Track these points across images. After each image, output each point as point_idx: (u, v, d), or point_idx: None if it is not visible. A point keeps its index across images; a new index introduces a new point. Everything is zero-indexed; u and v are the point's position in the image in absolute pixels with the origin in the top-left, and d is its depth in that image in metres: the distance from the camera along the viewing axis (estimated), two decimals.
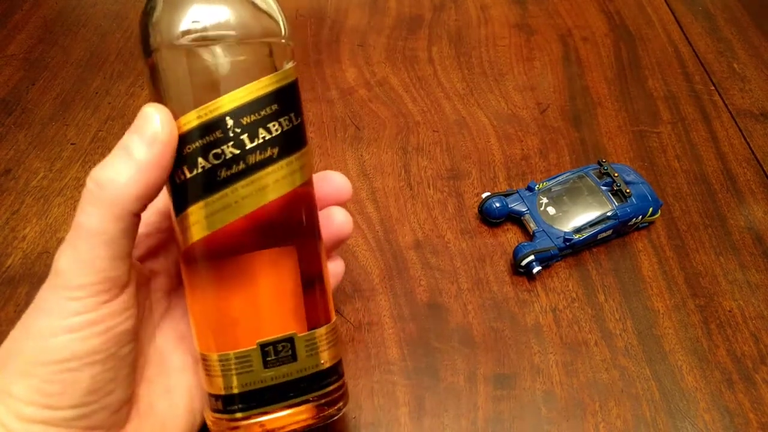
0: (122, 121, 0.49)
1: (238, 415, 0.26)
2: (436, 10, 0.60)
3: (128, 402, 0.27)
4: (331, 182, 0.31)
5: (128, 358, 0.26)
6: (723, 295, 0.39)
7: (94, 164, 0.45)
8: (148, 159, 0.24)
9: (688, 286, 0.39)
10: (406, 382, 0.35)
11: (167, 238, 0.31)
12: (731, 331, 0.37)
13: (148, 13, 0.25)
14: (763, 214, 0.43)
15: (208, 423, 0.27)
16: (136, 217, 0.25)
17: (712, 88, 0.53)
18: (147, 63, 0.25)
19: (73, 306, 0.24)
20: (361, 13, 0.60)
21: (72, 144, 0.47)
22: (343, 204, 0.31)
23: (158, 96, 0.25)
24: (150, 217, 0.30)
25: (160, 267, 0.31)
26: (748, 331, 0.37)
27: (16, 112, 0.49)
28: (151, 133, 0.24)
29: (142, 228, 0.30)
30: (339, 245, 0.32)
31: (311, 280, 0.27)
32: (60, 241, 0.40)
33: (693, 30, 0.59)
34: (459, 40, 0.57)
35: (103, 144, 0.47)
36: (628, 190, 0.41)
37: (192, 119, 0.24)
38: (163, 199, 0.30)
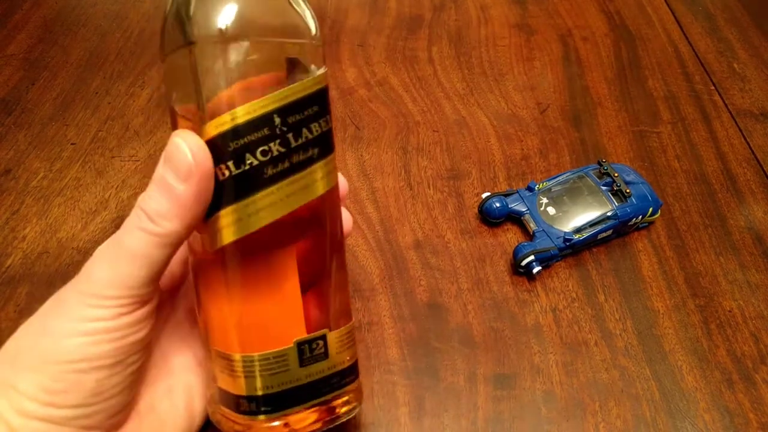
0: (122, 121, 0.49)
1: (262, 417, 0.26)
2: (436, 10, 0.60)
3: (128, 405, 0.27)
4: None
5: (135, 365, 0.26)
6: (723, 295, 0.39)
7: (94, 164, 0.45)
8: (189, 194, 0.24)
9: (688, 286, 0.39)
10: (406, 382, 0.35)
11: None
12: (731, 331, 0.37)
13: (182, 4, 0.24)
14: (763, 214, 0.43)
15: (227, 425, 0.27)
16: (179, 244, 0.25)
17: (712, 88, 0.53)
18: (181, 54, 0.24)
19: (94, 313, 0.24)
20: (361, 13, 0.60)
21: (72, 144, 0.47)
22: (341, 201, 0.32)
23: (191, 90, 0.24)
24: None
25: None
26: (748, 331, 0.37)
27: (16, 112, 0.49)
28: (185, 168, 0.24)
29: None
30: None
31: (339, 278, 0.28)
32: (60, 241, 0.41)
33: (693, 30, 0.59)
34: (459, 40, 0.57)
35: (103, 144, 0.47)
36: (628, 190, 0.41)
37: (238, 116, 0.24)
38: None
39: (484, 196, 0.42)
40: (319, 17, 0.59)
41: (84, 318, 0.24)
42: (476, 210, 0.43)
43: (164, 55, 0.26)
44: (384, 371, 0.35)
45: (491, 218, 0.42)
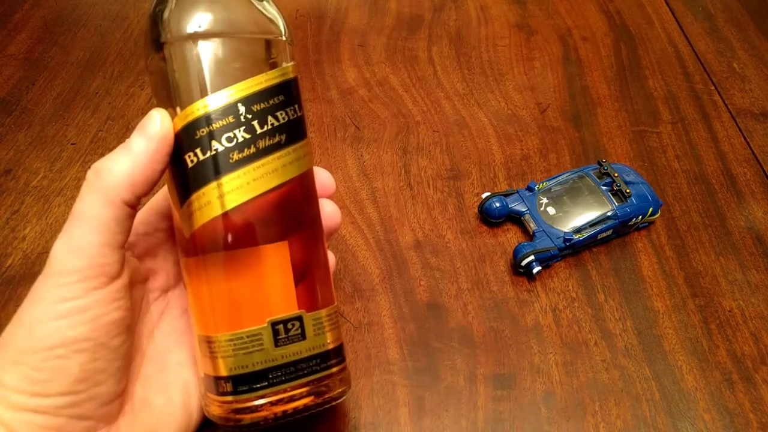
0: (122, 121, 0.49)
1: (245, 396, 0.26)
2: (436, 10, 0.60)
3: (120, 395, 0.27)
4: (316, 178, 0.31)
5: (120, 350, 0.26)
6: (723, 295, 0.39)
7: None
8: (144, 151, 0.25)
9: (688, 286, 0.39)
10: (406, 382, 0.35)
11: (165, 239, 0.31)
12: (731, 331, 0.37)
13: (158, 9, 0.26)
14: (763, 214, 0.43)
15: (211, 408, 0.27)
16: (130, 208, 0.26)
17: (712, 88, 0.53)
18: (157, 56, 0.26)
19: (61, 292, 0.24)
20: (361, 13, 0.60)
21: (72, 144, 0.47)
22: (328, 198, 0.32)
23: (167, 89, 0.26)
24: (149, 217, 0.31)
25: (158, 266, 0.31)
26: (748, 331, 0.37)
27: (16, 112, 0.49)
28: (149, 129, 0.25)
29: (142, 227, 0.30)
30: (330, 236, 0.32)
31: (315, 263, 0.28)
32: None
33: (693, 30, 0.59)
34: (459, 40, 0.57)
35: (103, 144, 0.47)
36: (628, 190, 0.41)
37: (204, 106, 0.26)
38: (162, 201, 0.31)
39: (484, 196, 0.42)
40: (319, 17, 0.59)
41: (53, 300, 0.24)
42: (476, 210, 0.43)
43: (146, 63, 0.28)
44: (384, 371, 0.35)
45: (491, 218, 0.42)
